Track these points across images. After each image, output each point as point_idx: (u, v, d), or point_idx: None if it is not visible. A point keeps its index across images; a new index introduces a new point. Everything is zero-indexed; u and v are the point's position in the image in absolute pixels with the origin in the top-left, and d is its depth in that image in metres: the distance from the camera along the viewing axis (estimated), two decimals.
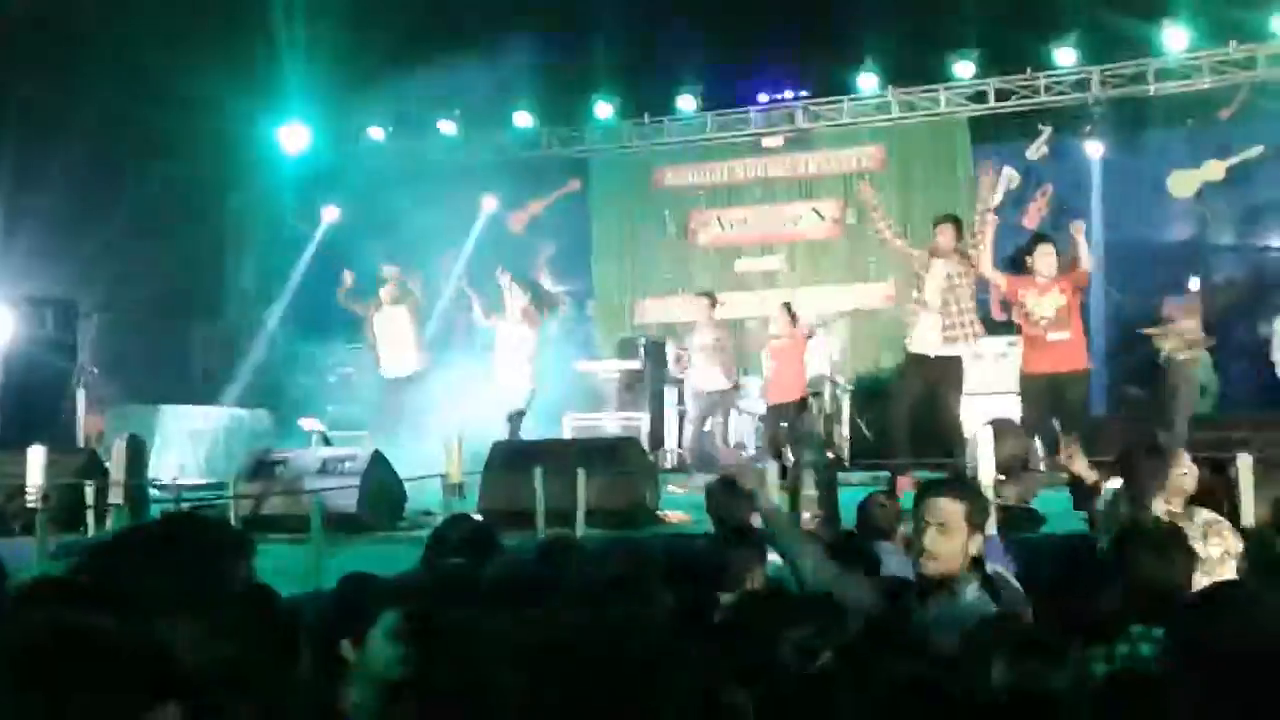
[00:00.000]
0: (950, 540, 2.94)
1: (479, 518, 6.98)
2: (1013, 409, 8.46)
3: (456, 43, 12.41)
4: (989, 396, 9.04)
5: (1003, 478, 6.01)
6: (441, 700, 2.07)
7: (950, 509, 2.98)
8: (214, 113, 11.60)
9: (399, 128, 14.41)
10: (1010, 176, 12.73)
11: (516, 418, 9.01)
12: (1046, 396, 7.44)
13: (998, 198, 12.76)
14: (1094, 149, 12.33)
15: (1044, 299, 7.47)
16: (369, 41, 12.27)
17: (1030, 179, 12.71)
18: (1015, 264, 7.84)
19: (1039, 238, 7.99)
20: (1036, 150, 12.62)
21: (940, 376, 7.79)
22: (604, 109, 13.85)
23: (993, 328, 11.47)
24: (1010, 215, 12.73)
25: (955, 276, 7.86)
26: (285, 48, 12.25)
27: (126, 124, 10.54)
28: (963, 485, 3.31)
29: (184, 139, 11.34)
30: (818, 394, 11.37)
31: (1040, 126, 12.51)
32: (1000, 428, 7.64)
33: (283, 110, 13.25)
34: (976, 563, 3.00)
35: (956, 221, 8.11)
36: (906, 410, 7.96)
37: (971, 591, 2.95)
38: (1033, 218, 12.69)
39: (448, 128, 14.23)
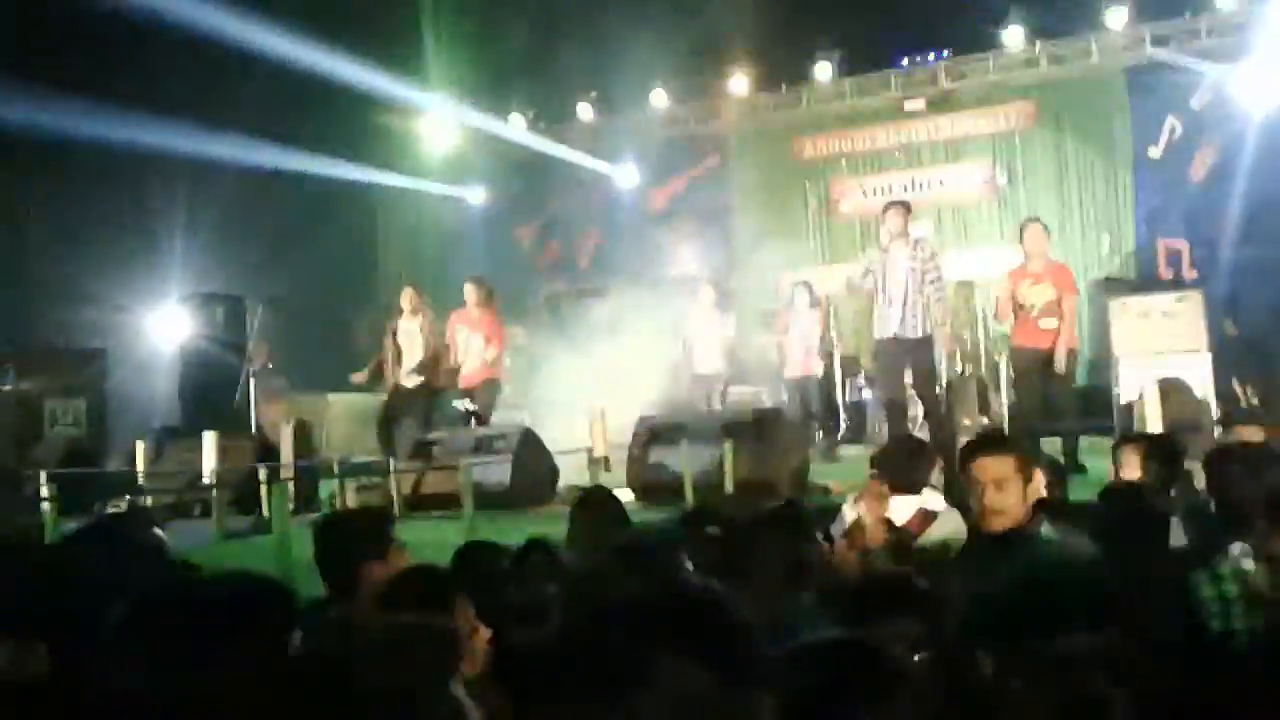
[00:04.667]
0: (1008, 494, 2.96)
1: (627, 493, 7.07)
2: (1180, 368, 8.06)
3: (591, 26, 12.52)
4: (1156, 356, 8.58)
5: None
6: None
7: (999, 465, 3.00)
8: (361, 104, 11.99)
9: (539, 112, 14.64)
10: (1171, 127, 12.16)
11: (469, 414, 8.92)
12: (1037, 368, 7.67)
13: (1159, 150, 12.23)
14: (1262, 94, 11.52)
15: (1035, 289, 7.67)
16: (507, 30, 12.49)
17: (1196, 129, 12.05)
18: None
19: (1030, 220, 8.21)
20: (1201, 99, 11.93)
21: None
22: (740, 82, 13.74)
23: (1159, 285, 10.97)
24: (1176, 169, 12.10)
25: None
26: (428, 38, 12.57)
27: (278, 120, 11.00)
28: (1002, 440, 3.30)
29: (334, 132, 11.77)
30: (974, 361, 11.07)
31: (1204, 73, 11.82)
32: (1168, 387, 7.32)
33: (427, 99, 13.61)
34: (1038, 509, 3.02)
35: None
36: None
37: (1045, 531, 2.96)
38: (1198, 169, 12.03)
39: (586, 111, 14.38)
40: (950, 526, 3.92)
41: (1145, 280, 11.42)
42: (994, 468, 2.99)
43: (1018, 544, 2.93)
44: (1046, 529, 2.98)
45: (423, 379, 8.71)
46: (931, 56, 13.30)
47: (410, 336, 8.82)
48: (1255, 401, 8.20)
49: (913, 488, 4.15)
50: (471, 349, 8.88)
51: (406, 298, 8.95)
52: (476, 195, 14.63)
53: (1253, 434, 5.15)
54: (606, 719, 1.11)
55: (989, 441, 3.25)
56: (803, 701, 1.36)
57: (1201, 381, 8.13)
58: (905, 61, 13.43)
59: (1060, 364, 7.58)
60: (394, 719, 1.10)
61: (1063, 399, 7.62)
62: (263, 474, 6.76)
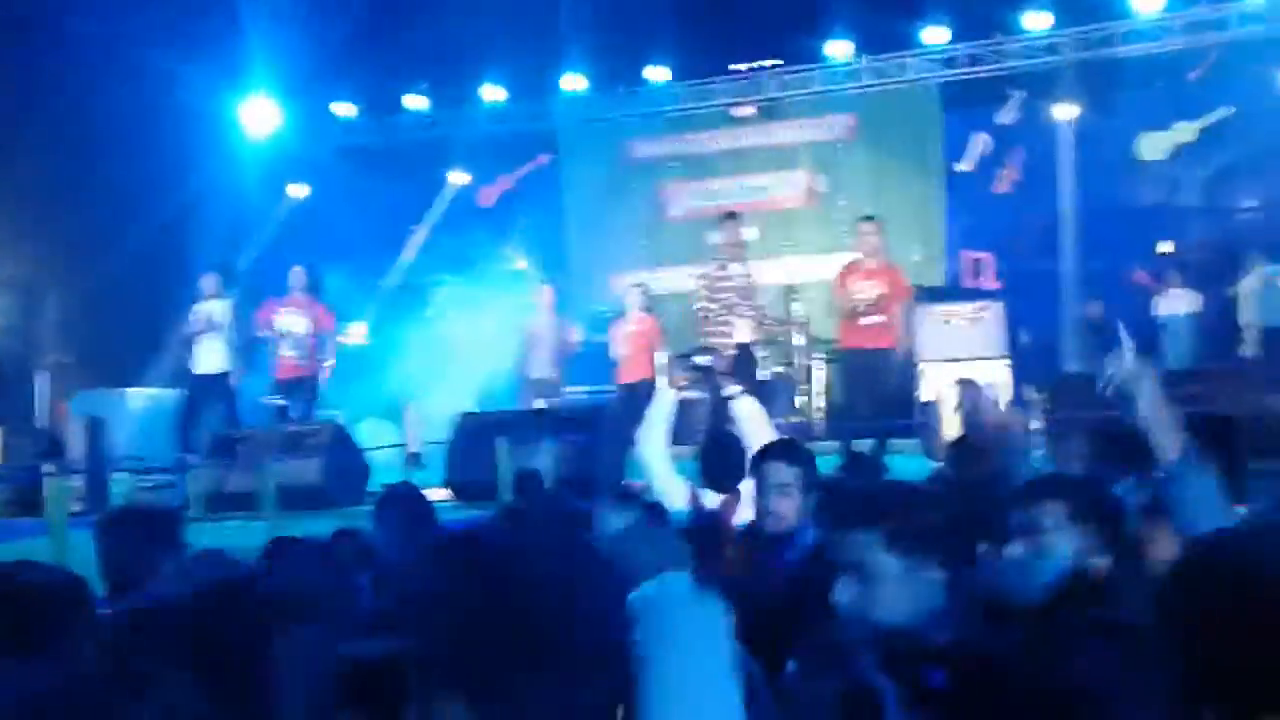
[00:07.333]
0: (789, 500, 3.23)
1: (443, 491, 6.96)
2: (980, 373, 8.45)
3: (424, 15, 12.27)
4: (959, 363, 9.00)
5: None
6: None
7: (787, 472, 3.25)
8: (175, 88, 11.45)
9: (367, 103, 14.28)
10: (982, 141, 12.79)
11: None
12: (860, 369, 8.08)
13: (970, 164, 12.83)
14: (1064, 113, 12.23)
15: (864, 284, 8.04)
16: (335, 15, 12.12)
17: (1001, 145, 12.71)
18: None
19: (866, 218, 8.51)
20: (1007, 115, 12.58)
21: None
22: (574, 81, 13.73)
23: (964, 294, 11.50)
24: (981, 182, 12.72)
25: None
26: (250, 21, 12.08)
27: (84, 102, 10.38)
28: (795, 449, 3.53)
29: (144, 116, 11.19)
30: (789, 364, 11.33)
31: (1010, 92, 12.47)
32: (963, 388, 7.66)
33: (247, 85, 13.08)
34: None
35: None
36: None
37: (809, 537, 3.16)
38: (1004, 184, 12.68)
39: (416, 102, 14.11)
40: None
41: (951, 289, 11.94)
42: (779, 474, 3.25)
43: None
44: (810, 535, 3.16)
45: (224, 368, 8.36)
46: (762, 64, 13.58)
47: (211, 324, 8.45)
48: (1047, 407, 8.67)
49: (727, 487, 4.20)
50: (294, 336, 8.58)
51: (209, 283, 8.59)
52: (298, 187, 14.14)
53: None
54: None
55: (780, 447, 3.49)
56: None
57: (1000, 386, 8.56)
58: (735, 69, 13.67)
59: (891, 362, 7.85)
60: None
61: (887, 398, 7.86)
62: (47, 470, 6.37)
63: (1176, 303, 10.50)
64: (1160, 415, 2.38)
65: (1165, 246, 11.51)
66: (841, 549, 2.07)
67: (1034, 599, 2.26)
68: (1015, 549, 2.36)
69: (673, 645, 1.19)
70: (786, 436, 5.47)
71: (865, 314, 7.82)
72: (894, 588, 1.99)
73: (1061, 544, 2.30)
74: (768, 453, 3.38)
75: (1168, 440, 2.36)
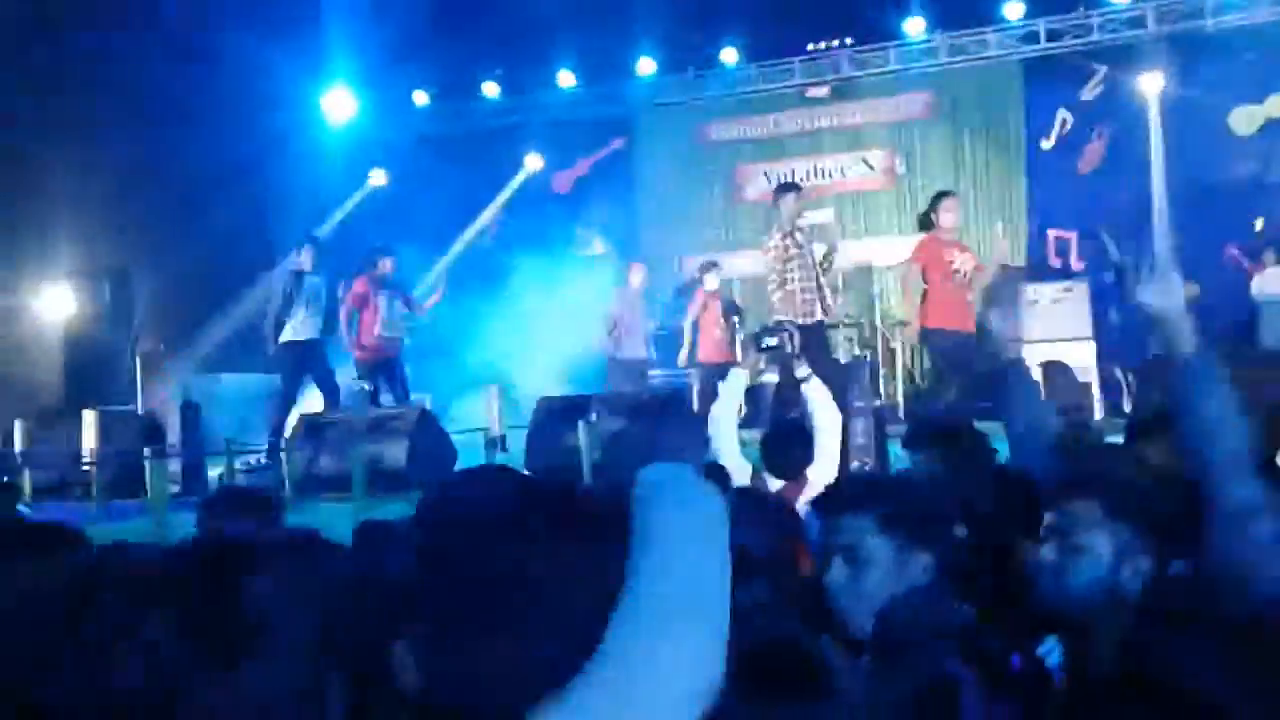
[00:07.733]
0: None
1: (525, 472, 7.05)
2: (1066, 354, 8.33)
3: (497, 3, 12.35)
4: (1044, 342, 8.87)
5: None
6: None
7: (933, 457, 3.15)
8: (260, 77, 11.67)
9: (443, 91, 14.44)
10: (1063, 120, 12.52)
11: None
12: (951, 349, 7.49)
13: (1051, 142, 12.57)
14: (1151, 88, 11.91)
15: (964, 256, 7.50)
16: (412, 4, 12.25)
17: (1086, 122, 12.42)
18: (923, 222, 7.71)
19: (943, 194, 7.80)
20: (1091, 91, 12.31)
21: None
22: (647, 65, 13.73)
23: (1048, 274, 11.31)
24: (1067, 160, 12.45)
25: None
26: (328, 12, 12.29)
27: (172, 92, 10.64)
28: (948, 434, 3.33)
29: (231, 105, 11.44)
30: (869, 345, 11.27)
31: (1095, 66, 12.18)
32: (1051, 370, 7.55)
33: (326, 75, 13.30)
34: None
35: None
36: None
37: None
38: (1090, 161, 12.39)
39: (491, 89, 14.24)
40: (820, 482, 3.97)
41: (1035, 269, 11.74)
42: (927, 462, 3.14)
43: None
44: None
45: (318, 336, 8.52)
46: (835, 44, 13.44)
47: (314, 292, 8.61)
48: (1133, 388, 8.52)
49: (790, 474, 4.13)
50: (395, 315, 8.79)
51: (307, 257, 8.72)
52: (377, 173, 14.36)
53: None
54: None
55: (930, 434, 3.30)
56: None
57: (1086, 367, 8.43)
58: (809, 48, 13.55)
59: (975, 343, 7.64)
60: None
61: (975, 379, 7.64)
62: (146, 454, 6.57)
63: (1273, 282, 10.21)
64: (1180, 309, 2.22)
65: (1259, 224, 11.17)
66: (834, 533, 2.07)
67: (1070, 604, 2.07)
68: (1047, 551, 2.15)
69: (668, 514, 1.17)
70: (943, 420, 5.31)
71: (961, 288, 7.51)
72: (884, 572, 1.99)
73: (1098, 544, 2.09)
74: (918, 440, 3.24)
75: (1184, 335, 2.20)
